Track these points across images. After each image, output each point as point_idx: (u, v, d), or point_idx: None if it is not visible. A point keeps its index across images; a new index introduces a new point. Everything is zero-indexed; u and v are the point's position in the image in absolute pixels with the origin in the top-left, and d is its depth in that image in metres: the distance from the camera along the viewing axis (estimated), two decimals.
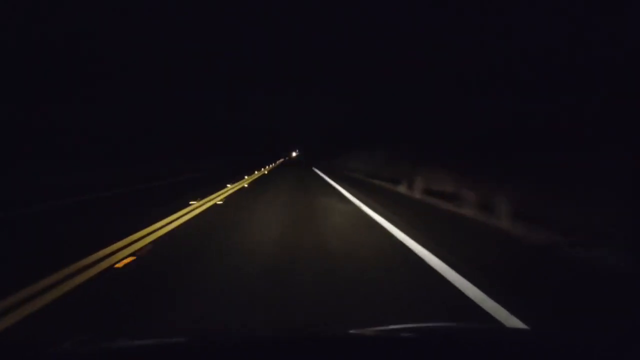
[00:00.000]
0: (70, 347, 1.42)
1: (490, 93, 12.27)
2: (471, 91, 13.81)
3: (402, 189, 11.97)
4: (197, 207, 8.52)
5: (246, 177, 19.45)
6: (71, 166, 14.76)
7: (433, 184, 10.41)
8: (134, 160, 19.79)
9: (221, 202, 9.67)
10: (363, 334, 1.64)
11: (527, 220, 6.01)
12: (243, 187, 14.38)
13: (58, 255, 4.52)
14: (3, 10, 14.66)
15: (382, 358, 1.32)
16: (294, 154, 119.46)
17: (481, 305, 3.14)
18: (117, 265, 4.19)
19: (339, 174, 22.73)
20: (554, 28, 9.46)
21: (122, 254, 4.61)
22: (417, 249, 4.82)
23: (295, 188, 14.82)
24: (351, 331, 1.70)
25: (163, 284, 3.69)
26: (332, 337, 1.55)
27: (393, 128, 22.56)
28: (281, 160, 77.64)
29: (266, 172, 26.25)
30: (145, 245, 5.07)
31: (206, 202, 9.45)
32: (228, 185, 13.97)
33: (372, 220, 7.06)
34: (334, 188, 13.81)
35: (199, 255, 4.66)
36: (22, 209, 8.69)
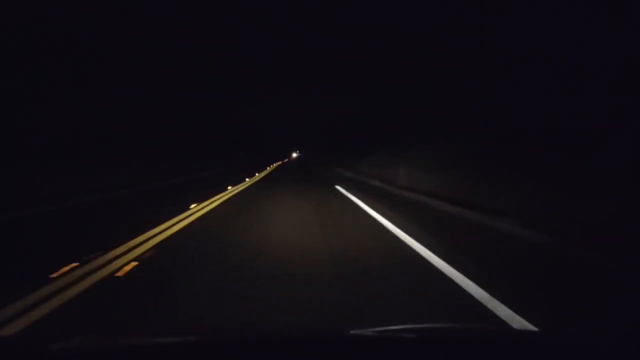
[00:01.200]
0: (76, 345, 1.43)
1: (491, 93, 12.26)
2: (471, 91, 13.80)
3: None
4: None
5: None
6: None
7: None
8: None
9: None
10: (366, 335, 1.64)
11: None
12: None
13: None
14: (2, 9, 14.64)
15: (385, 359, 1.32)
16: (294, 155, 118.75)
17: None
18: None
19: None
20: (554, 28, 9.47)
21: None
22: None
23: None
24: (353, 332, 1.70)
25: None
26: (334, 338, 1.55)
27: (399, 127, 21.94)
28: (279, 163, 65.70)
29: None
30: None
31: None
32: None
33: None
34: None
35: None
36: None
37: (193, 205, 9.94)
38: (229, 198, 12.33)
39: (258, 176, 25.25)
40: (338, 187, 15.76)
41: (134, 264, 4.79)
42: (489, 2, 12.53)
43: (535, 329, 2.99)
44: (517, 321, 3.09)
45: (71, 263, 4.63)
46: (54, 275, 4.22)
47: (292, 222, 7.84)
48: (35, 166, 13.38)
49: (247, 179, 20.93)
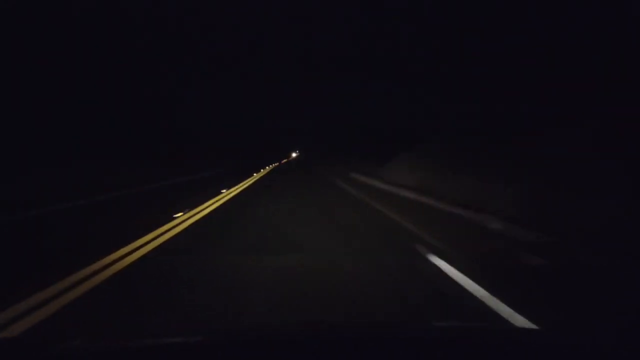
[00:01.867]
0: (76, 346, 1.42)
1: (491, 94, 12.25)
2: (472, 91, 13.78)
3: None
4: None
5: None
6: None
7: None
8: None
9: None
10: (367, 334, 1.63)
11: None
12: None
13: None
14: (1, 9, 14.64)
15: (386, 357, 1.32)
16: (293, 154, 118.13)
17: None
18: None
19: None
20: (554, 27, 9.46)
21: None
22: None
23: None
24: (355, 330, 1.69)
25: None
26: (335, 336, 1.54)
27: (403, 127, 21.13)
28: (275, 164, 51.69)
29: None
30: None
31: None
32: None
33: None
34: None
35: None
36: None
37: None
38: None
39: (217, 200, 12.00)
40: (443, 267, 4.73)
41: None
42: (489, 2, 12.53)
43: (536, 327, 2.98)
44: None
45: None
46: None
47: None
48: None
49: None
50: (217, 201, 11.60)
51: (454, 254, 5.13)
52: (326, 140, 61.54)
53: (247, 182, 19.66)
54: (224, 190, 14.34)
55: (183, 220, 8.15)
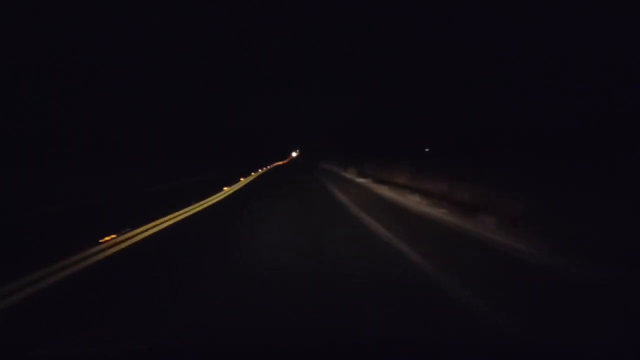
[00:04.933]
0: (66, 350, 1.40)
1: (493, 95, 12.24)
2: (472, 92, 13.77)
3: None
4: None
5: None
6: None
7: None
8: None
9: None
10: (360, 343, 1.62)
11: None
12: None
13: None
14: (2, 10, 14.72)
15: None
16: (293, 154, 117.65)
17: None
18: None
19: None
20: (558, 31, 9.43)
21: None
22: None
23: None
24: (351, 339, 1.68)
25: None
26: (329, 345, 1.52)
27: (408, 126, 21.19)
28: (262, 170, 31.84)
29: None
30: None
31: None
32: None
33: None
34: None
35: None
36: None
37: None
38: None
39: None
40: None
41: None
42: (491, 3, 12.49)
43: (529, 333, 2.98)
44: None
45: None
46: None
47: None
48: None
49: None
50: None
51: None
52: (324, 139, 62.28)
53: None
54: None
55: None
